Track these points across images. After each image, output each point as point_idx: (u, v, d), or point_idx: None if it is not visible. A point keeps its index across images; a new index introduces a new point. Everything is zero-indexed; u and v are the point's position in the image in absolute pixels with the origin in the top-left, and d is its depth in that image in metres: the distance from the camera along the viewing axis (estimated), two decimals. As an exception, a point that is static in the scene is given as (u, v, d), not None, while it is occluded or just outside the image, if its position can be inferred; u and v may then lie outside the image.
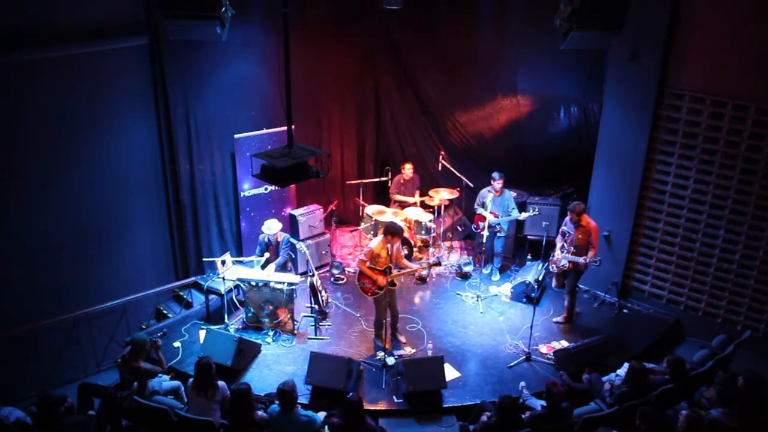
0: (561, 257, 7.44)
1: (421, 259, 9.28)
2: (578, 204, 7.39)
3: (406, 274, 7.14)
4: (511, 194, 8.55)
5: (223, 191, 8.64)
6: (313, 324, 7.79)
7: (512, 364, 7.15)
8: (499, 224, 8.44)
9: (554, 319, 7.98)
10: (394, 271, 7.01)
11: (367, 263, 7.00)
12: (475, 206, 8.65)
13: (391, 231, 6.91)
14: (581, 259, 7.25)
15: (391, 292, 7.12)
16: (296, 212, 9.06)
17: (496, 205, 8.42)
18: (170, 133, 7.93)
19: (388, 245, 6.93)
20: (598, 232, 7.45)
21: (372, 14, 9.25)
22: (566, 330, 7.81)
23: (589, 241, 7.33)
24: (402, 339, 7.46)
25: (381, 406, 6.56)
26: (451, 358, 7.20)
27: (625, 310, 8.17)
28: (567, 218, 7.54)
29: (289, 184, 6.18)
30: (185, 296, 8.32)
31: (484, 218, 8.28)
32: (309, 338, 7.68)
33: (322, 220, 9.18)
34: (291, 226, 9.06)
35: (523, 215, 8.33)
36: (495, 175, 8.33)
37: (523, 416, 5.54)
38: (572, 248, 7.36)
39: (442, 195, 9.27)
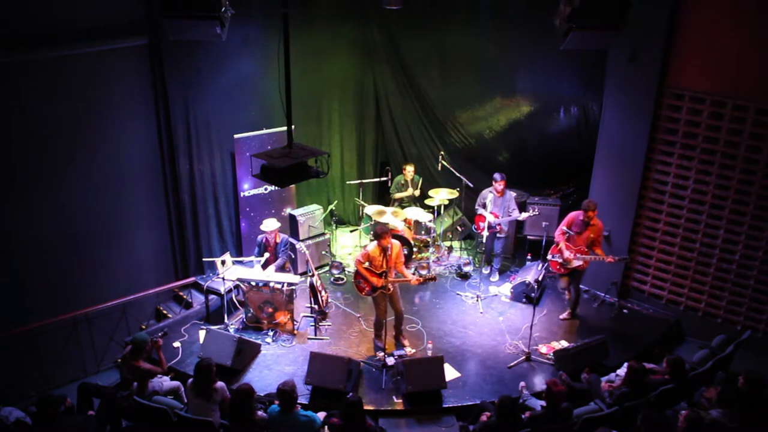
0: (573, 258, 7.38)
1: (422, 259, 9.29)
2: (591, 201, 7.37)
3: (401, 281, 7.16)
4: (512, 195, 8.54)
5: (223, 191, 8.64)
6: (313, 324, 7.79)
7: (512, 364, 7.15)
8: (499, 224, 8.44)
9: (561, 317, 8.00)
10: (391, 277, 7.03)
11: (365, 264, 7.03)
12: (476, 206, 8.66)
13: (375, 234, 6.96)
14: (610, 257, 7.23)
15: (393, 293, 7.14)
16: (296, 212, 9.06)
17: (497, 206, 8.42)
18: (170, 133, 7.93)
19: (386, 248, 6.93)
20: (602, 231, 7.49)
21: (372, 14, 9.27)
22: (566, 330, 7.81)
23: (597, 239, 7.37)
24: (405, 342, 7.47)
25: (381, 406, 6.56)
26: (451, 358, 7.20)
27: (625, 310, 8.17)
28: (574, 218, 7.43)
29: (289, 184, 6.19)
30: (185, 296, 8.32)
31: (484, 218, 8.28)
32: (309, 338, 7.68)
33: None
34: (291, 226, 9.07)
35: (523, 215, 8.32)
36: (496, 176, 8.33)
37: (523, 416, 5.54)
38: (584, 247, 7.35)
39: (441, 195, 9.28)
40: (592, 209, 7.29)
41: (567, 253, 7.43)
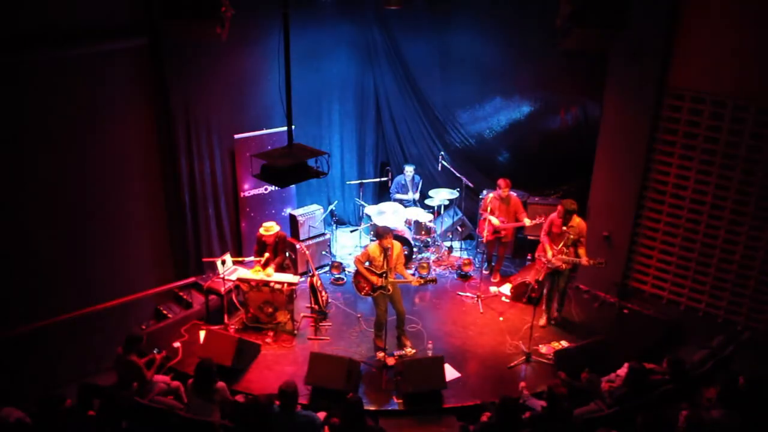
0: (554, 259, 7.31)
1: (422, 259, 9.29)
2: (570, 201, 7.29)
3: (402, 282, 7.17)
4: (518, 200, 8.54)
5: (223, 191, 8.64)
6: (313, 324, 7.79)
7: (512, 364, 7.15)
8: (504, 229, 8.44)
9: (540, 324, 7.77)
10: (391, 278, 7.02)
11: (365, 263, 7.03)
12: (480, 211, 8.65)
13: (377, 234, 6.98)
14: (584, 260, 7.16)
15: (395, 294, 7.14)
16: (296, 212, 9.06)
17: (503, 212, 8.42)
18: (170, 134, 7.93)
19: (386, 249, 6.93)
20: (586, 230, 7.39)
21: (372, 14, 9.27)
22: (566, 330, 7.80)
23: (579, 239, 7.26)
24: (407, 342, 7.47)
25: (381, 406, 6.56)
26: (451, 358, 7.20)
27: (625, 310, 8.17)
28: (553, 220, 7.42)
29: (289, 184, 6.19)
30: (185, 296, 8.31)
31: (489, 223, 8.28)
32: (309, 338, 7.69)
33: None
34: (291, 226, 9.06)
35: (530, 222, 8.31)
36: (501, 182, 8.33)
37: (523, 416, 5.53)
38: (564, 248, 7.26)
39: (441, 195, 9.28)
40: (568, 207, 7.17)
41: (549, 253, 7.36)
